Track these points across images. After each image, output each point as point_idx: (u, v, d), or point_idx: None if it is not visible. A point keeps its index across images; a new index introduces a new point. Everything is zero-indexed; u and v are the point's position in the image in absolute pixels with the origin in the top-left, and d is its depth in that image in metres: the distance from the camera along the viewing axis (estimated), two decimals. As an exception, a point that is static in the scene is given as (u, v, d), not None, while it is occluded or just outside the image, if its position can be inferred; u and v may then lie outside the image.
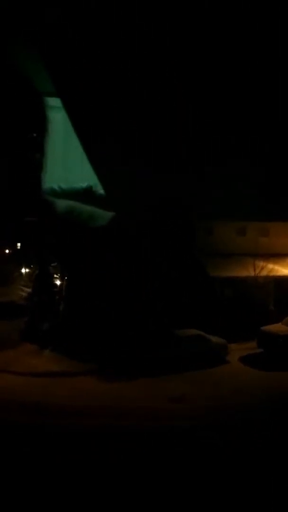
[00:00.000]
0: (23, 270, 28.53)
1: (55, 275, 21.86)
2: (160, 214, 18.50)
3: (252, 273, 19.55)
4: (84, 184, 21.94)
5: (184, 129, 18.34)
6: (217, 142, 18.82)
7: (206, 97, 18.56)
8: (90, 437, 10.05)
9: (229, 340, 16.78)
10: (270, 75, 18.38)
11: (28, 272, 25.98)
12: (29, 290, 21.98)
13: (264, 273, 19.65)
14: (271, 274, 20.09)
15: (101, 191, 20.81)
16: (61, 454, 9.36)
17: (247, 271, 19.44)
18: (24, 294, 22.54)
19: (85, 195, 20.66)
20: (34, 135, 19.83)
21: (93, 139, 18.83)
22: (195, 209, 20.04)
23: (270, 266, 20.06)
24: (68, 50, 17.24)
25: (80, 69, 17.35)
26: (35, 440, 9.98)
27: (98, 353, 15.57)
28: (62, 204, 19.33)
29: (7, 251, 33.96)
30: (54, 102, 21.14)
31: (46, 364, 15.57)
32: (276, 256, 21.18)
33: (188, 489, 8.07)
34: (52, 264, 21.32)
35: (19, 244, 32.21)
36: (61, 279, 21.06)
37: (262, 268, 19.63)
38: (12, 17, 16.98)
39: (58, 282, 21.49)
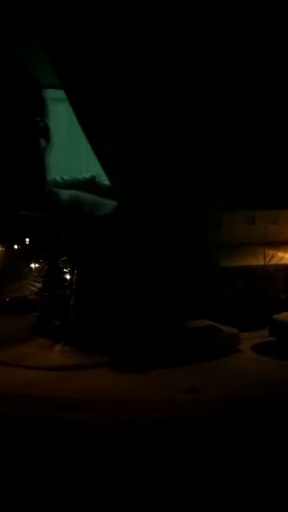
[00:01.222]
0: (33, 265, 28.65)
1: (65, 270, 21.98)
2: (166, 207, 18.44)
3: (262, 262, 19.47)
4: (87, 175, 21.82)
5: (189, 121, 18.18)
6: (222, 132, 18.64)
7: (209, 89, 18.35)
8: (109, 431, 10.07)
9: (241, 329, 16.87)
10: (267, 69, 18.15)
11: (38, 267, 26.10)
12: (39, 285, 22.15)
13: (274, 261, 19.55)
14: (281, 262, 19.98)
15: (105, 181, 20.70)
16: (80, 448, 9.47)
17: (256, 260, 19.37)
18: (35, 289, 22.72)
19: (89, 185, 20.54)
20: (38, 119, 19.53)
21: (97, 130, 18.74)
22: (202, 201, 19.95)
23: (280, 254, 19.96)
24: (72, 42, 17.12)
25: (84, 62, 17.23)
26: (51, 435, 10.12)
27: (111, 346, 15.59)
28: (66, 194, 19.21)
29: (15, 246, 34.08)
30: (58, 94, 21.05)
31: (59, 358, 15.66)
32: (286, 244, 21.05)
33: (206, 478, 8.14)
34: (62, 259, 21.43)
35: (27, 239, 32.30)
36: (71, 273, 21.17)
37: (272, 256, 19.54)
38: (16, 10, 16.90)
39: (68, 277, 21.62)
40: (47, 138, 18.47)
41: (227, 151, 19.34)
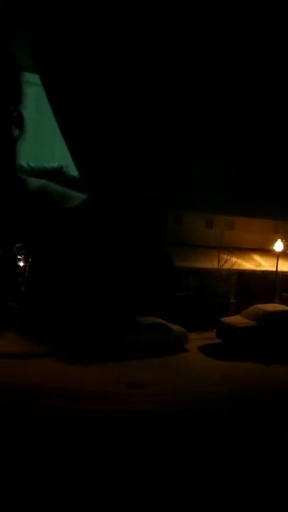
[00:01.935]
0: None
1: (18, 256, 21.43)
2: (131, 201, 18.46)
3: (216, 265, 19.98)
4: (55, 164, 21.29)
5: (159, 117, 18.29)
6: (192, 134, 18.91)
7: (177, 88, 18.53)
8: (44, 418, 10.01)
9: (190, 329, 17.16)
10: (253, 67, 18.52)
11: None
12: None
13: (227, 266, 20.13)
14: (234, 267, 20.61)
15: (73, 172, 20.29)
16: (14, 434, 9.35)
17: (211, 263, 19.84)
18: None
19: (56, 175, 20.07)
20: (12, 108, 18.91)
21: (70, 118, 18.31)
22: (166, 199, 20.15)
23: (234, 259, 20.58)
24: (50, 24, 16.66)
25: (62, 44, 16.80)
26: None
27: (59, 336, 15.51)
28: (34, 182, 18.74)
29: None
30: (27, 77, 20.42)
31: (6, 346, 15.48)
32: (240, 250, 21.75)
33: (138, 472, 8.27)
34: (16, 245, 20.86)
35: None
36: (25, 260, 20.69)
37: (226, 261, 20.10)
38: None
39: (21, 264, 21.12)
40: (21, 127, 17.85)
41: (195, 152, 19.64)
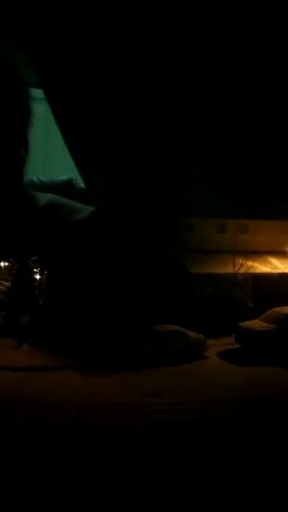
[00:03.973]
0: (1, 264, 27.70)
1: (34, 269, 21.45)
2: (143, 211, 18.36)
3: (231, 270, 19.63)
4: (64, 177, 21.36)
5: (166, 125, 18.29)
6: (200, 137, 18.84)
7: (184, 95, 18.49)
8: (64, 431, 10.17)
9: (208, 335, 17.15)
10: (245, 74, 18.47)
11: (7, 266, 25.30)
12: (8, 284, 21.42)
13: (242, 270, 19.75)
14: (249, 271, 20.19)
15: (81, 184, 20.26)
16: (35, 448, 9.33)
17: (226, 268, 19.51)
18: (3, 288, 21.97)
19: (65, 188, 20.11)
20: (21, 131, 18.88)
21: (75, 132, 18.47)
22: (176, 206, 20.02)
23: (249, 263, 20.21)
24: (53, 38, 16.87)
25: (66, 59, 16.98)
26: (10, 434, 9.90)
27: (77, 348, 15.59)
28: (43, 197, 18.65)
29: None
30: (35, 93, 20.60)
31: (24, 359, 15.43)
32: (255, 253, 21.36)
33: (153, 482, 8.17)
34: (32, 258, 20.89)
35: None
36: (41, 273, 20.70)
37: (241, 265, 19.71)
38: None
39: (37, 277, 21.14)
40: (26, 149, 17.73)
41: (201, 157, 19.52)
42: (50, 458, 7.56)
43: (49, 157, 19.96)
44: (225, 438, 8.83)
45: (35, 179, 17.99)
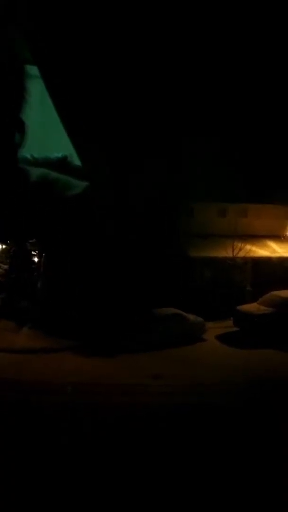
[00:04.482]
0: None
1: (33, 252, 21.62)
2: (144, 196, 18.37)
3: (230, 254, 19.86)
4: (59, 154, 21.16)
5: (165, 107, 18.11)
6: (200, 121, 18.71)
7: (183, 80, 18.28)
8: (69, 413, 10.28)
9: (207, 318, 17.11)
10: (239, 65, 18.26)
11: (5, 248, 25.61)
12: (6, 267, 21.72)
13: (242, 254, 19.99)
14: (249, 255, 20.45)
15: (77, 162, 20.14)
16: (40, 430, 9.47)
17: (225, 252, 19.73)
18: (1, 271, 22.28)
19: (60, 165, 19.95)
20: (16, 113, 18.77)
21: (71, 110, 18.27)
22: (177, 190, 20.05)
23: (248, 247, 20.42)
24: (48, 14, 16.59)
25: (60, 35, 16.75)
26: (12, 416, 10.05)
27: (77, 330, 15.84)
28: (35, 171, 18.46)
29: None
30: (31, 70, 20.20)
31: (24, 341, 15.69)
32: (254, 237, 21.55)
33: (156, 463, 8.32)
34: (30, 241, 21.01)
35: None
36: (39, 255, 20.83)
37: (240, 249, 19.95)
38: None
39: (36, 259, 21.29)
40: (21, 127, 17.80)
41: (201, 142, 19.46)
42: (44, 439, 7.40)
43: (45, 134, 19.47)
44: (222, 420, 8.80)
45: (28, 155, 17.34)
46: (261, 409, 10.50)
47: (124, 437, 9.09)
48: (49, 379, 12.13)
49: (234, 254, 19.60)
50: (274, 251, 21.46)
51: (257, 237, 21.55)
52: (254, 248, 20.76)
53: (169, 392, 11.57)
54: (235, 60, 17.99)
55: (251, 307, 17.24)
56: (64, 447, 8.60)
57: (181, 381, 12.32)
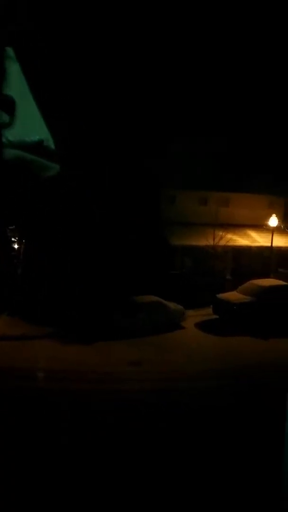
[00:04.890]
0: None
1: (12, 239, 21.32)
2: (125, 182, 18.17)
3: (211, 243, 19.98)
4: (35, 138, 20.64)
5: (145, 96, 17.93)
6: (181, 111, 18.60)
7: (167, 69, 18.12)
8: (49, 400, 10.08)
9: (187, 306, 17.14)
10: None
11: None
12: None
13: (222, 243, 20.13)
14: (229, 244, 20.60)
15: (53, 146, 19.70)
16: (19, 416, 9.45)
17: (206, 241, 19.85)
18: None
19: (36, 148, 19.49)
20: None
21: (48, 93, 17.87)
22: (159, 177, 19.95)
23: (229, 236, 20.57)
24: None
25: (37, 18, 16.38)
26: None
27: (57, 317, 15.50)
28: (10, 153, 18.03)
29: None
30: (10, 52, 19.68)
31: (3, 328, 15.42)
32: (235, 226, 21.70)
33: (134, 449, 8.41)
34: (10, 227, 20.71)
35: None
36: (19, 242, 20.60)
37: (221, 237, 20.08)
38: None
39: (16, 246, 21.05)
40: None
41: (184, 133, 19.35)
42: (7, 425, 7.37)
43: (21, 117, 18.93)
44: (197, 407, 8.89)
45: (3, 139, 16.67)
46: (234, 395, 10.67)
47: (88, 423, 9.10)
48: (30, 367, 12.10)
49: (215, 243, 19.75)
50: (255, 240, 21.66)
51: (238, 226, 21.71)
52: (234, 237, 20.93)
53: (144, 379, 11.56)
54: (207, 54, 17.93)
55: (230, 295, 17.49)
56: (27, 432, 8.53)
57: (159, 368, 12.38)
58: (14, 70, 17.79)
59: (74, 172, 16.02)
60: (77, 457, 7.93)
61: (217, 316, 17.10)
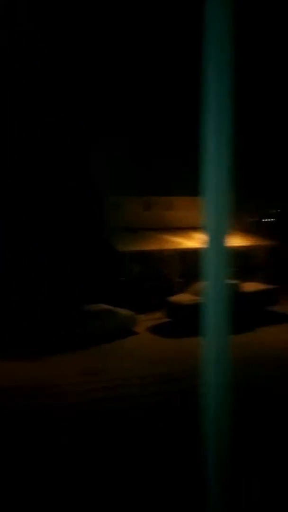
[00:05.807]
0: None
1: None
2: (69, 190, 17.84)
3: (158, 247, 20.06)
4: None
5: (92, 102, 17.85)
6: (125, 115, 18.67)
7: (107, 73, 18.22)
8: (4, 417, 9.72)
9: (139, 311, 17.09)
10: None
11: None
12: None
13: (169, 246, 20.27)
14: (175, 247, 20.79)
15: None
16: None
17: (153, 245, 19.89)
18: None
19: None
20: None
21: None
22: (103, 184, 19.83)
23: (174, 239, 20.77)
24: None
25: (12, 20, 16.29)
26: None
27: (6, 332, 14.92)
28: None
29: None
30: None
31: None
32: (180, 229, 21.97)
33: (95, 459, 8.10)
34: None
35: None
36: None
37: (167, 241, 20.23)
38: None
39: None
40: None
41: (127, 138, 19.41)
42: None
43: None
44: (156, 411, 8.55)
45: None
46: (188, 399, 10.58)
47: (45, 440, 8.68)
48: None
49: (161, 247, 19.85)
50: (200, 241, 21.95)
51: (184, 229, 22.00)
52: (180, 240, 21.17)
53: (101, 388, 11.35)
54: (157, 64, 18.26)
55: (181, 297, 17.68)
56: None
57: (113, 375, 12.11)
58: None
59: (10, 181, 15.61)
60: (40, 474, 7.50)
61: (170, 319, 17.08)
